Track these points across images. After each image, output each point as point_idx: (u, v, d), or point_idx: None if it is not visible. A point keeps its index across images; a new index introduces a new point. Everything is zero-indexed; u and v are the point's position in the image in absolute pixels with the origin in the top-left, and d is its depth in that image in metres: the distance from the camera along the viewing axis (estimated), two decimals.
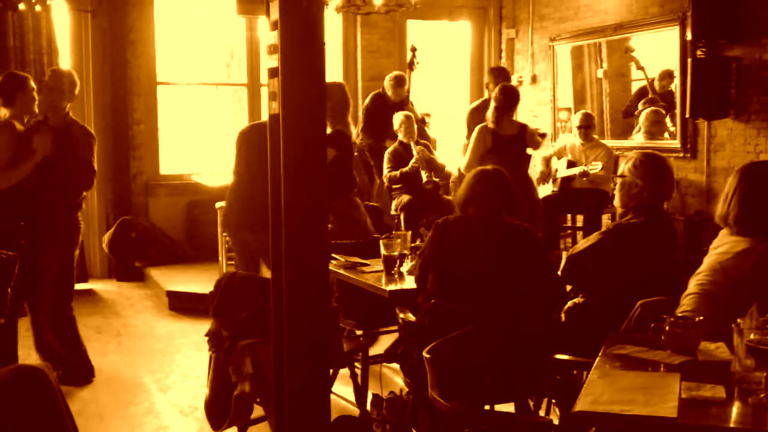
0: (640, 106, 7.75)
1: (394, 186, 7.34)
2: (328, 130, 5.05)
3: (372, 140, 7.88)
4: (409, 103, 7.94)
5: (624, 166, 3.72)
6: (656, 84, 7.67)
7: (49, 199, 4.76)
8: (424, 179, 7.07)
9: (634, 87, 8.13)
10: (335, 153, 5.18)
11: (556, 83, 8.76)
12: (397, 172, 7.17)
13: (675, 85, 7.30)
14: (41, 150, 4.64)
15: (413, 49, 8.12)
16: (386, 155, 7.31)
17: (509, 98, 6.38)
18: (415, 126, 7.38)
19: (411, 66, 8.08)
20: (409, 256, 4.32)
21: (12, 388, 2.20)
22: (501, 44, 9.52)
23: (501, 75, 7.58)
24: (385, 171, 7.28)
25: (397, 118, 7.35)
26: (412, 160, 7.12)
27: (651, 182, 3.64)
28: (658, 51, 7.58)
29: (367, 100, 8.05)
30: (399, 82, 7.78)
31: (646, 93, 7.78)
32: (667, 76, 7.51)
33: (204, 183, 8.01)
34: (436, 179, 7.21)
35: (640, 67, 7.86)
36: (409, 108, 7.71)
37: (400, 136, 7.28)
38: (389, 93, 7.82)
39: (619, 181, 3.72)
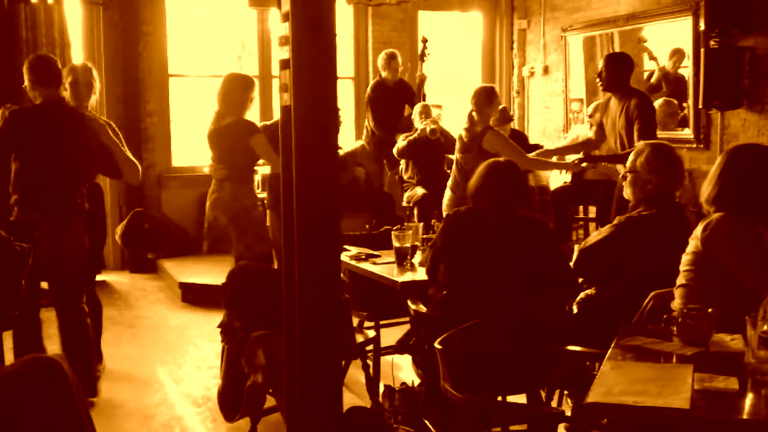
0: None
1: (405, 178, 7.35)
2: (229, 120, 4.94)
3: (383, 132, 7.88)
4: (422, 96, 7.94)
5: (634, 161, 3.68)
6: (668, 64, 7.60)
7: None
8: (428, 130, 7.03)
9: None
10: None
11: (568, 74, 8.72)
12: (405, 142, 7.16)
13: (688, 75, 7.25)
14: None
15: (424, 41, 8.11)
16: (403, 135, 7.33)
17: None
18: (433, 113, 7.47)
19: (422, 57, 8.06)
20: (421, 248, 4.33)
21: (27, 378, 2.21)
22: (513, 35, 9.49)
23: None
24: (399, 144, 7.28)
25: (416, 108, 7.46)
26: (424, 123, 7.13)
27: (664, 177, 3.62)
28: (671, 41, 7.53)
29: (368, 90, 8.10)
30: (391, 57, 7.83)
31: (658, 85, 7.73)
32: (676, 53, 7.45)
33: None
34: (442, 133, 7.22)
35: (653, 58, 7.81)
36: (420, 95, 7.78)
37: (417, 122, 7.31)
38: (384, 74, 7.84)
39: (630, 176, 3.68)
